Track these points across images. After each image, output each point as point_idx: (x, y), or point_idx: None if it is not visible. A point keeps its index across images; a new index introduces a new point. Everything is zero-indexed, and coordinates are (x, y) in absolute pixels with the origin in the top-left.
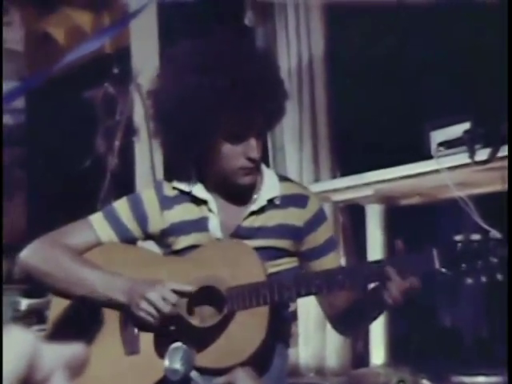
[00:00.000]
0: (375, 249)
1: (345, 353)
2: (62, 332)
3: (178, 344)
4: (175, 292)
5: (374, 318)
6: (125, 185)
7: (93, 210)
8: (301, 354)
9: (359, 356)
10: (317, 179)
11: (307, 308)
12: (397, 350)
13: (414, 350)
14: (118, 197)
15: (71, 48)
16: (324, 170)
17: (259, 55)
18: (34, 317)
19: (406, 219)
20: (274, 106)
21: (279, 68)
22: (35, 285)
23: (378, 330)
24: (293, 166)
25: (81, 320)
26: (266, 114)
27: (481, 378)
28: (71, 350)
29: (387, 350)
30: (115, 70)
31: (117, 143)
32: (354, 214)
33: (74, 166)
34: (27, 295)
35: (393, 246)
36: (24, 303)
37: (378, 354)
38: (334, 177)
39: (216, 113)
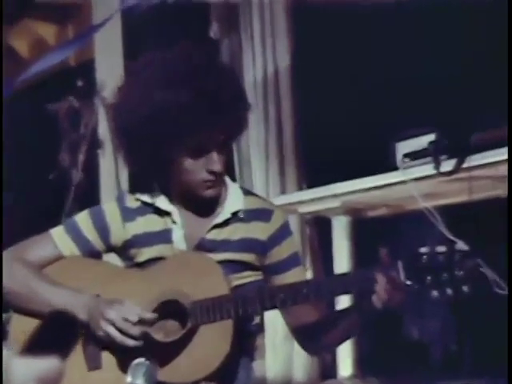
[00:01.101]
0: (342, 261)
1: (312, 365)
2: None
3: (141, 360)
4: (140, 321)
5: (348, 335)
6: (89, 198)
7: (57, 224)
8: (268, 366)
9: (327, 368)
10: (283, 191)
11: (274, 320)
12: (364, 362)
13: (382, 362)
14: (82, 209)
15: (34, 60)
16: (290, 182)
17: (220, 68)
18: None
19: (372, 231)
20: (235, 119)
21: (240, 80)
22: None
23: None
24: (259, 178)
25: (53, 336)
26: (227, 126)
27: None
28: (44, 364)
29: (355, 361)
30: (79, 83)
31: (81, 156)
32: (320, 225)
33: (38, 178)
34: None
35: (359, 257)
36: None
37: (345, 365)
38: (300, 189)
39: (176, 127)
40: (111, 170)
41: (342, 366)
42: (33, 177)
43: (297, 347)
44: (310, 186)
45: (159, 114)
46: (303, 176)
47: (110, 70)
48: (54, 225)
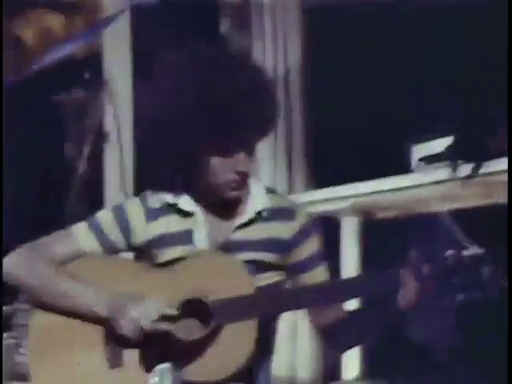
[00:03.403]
0: (350, 262)
1: (316, 366)
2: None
3: (165, 365)
4: (161, 317)
5: (364, 337)
6: (93, 190)
7: (60, 214)
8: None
9: (331, 369)
10: (291, 191)
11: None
12: (369, 364)
13: (386, 363)
14: (86, 202)
15: (41, 51)
16: (298, 182)
17: (251, 67)
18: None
19: (382, 233)
20: (265, 120)
21: (272, 81)
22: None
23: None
24: (266, 177)
25: None
26: (257, 127)
27: None
28: None
29: (359, 363)
30: (86, 76)
31: (86, 149)
32: (329, 226)
33: (42, 171)
34: None
35: (369, 259)
36: None
37: (350, 367)
38: (308, 189)
39: (205, 127)
40: (116, 163)
41: (347, 368)
42: (37, 168)
43: (300, 348)
44: (319, 186)
45: (186, 113)
46: (312, 176)
47: (117, 62)
48: (58, 216)
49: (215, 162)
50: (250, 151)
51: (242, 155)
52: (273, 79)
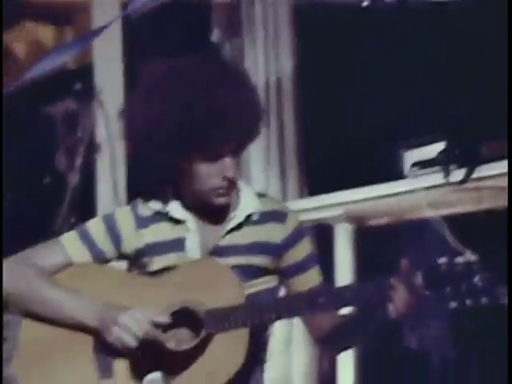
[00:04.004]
0: (344, 269)
1: (311, 374)
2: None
3: (155, 375)
4: (153, 324)
5: (352, 343)
6: (86, 202)
7: (53, 227)
8: (266, 376)
9: (326, 377)
10: (284, 198)
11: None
12: (365, 372)
13: (382, 371)
14: (78, 214)
15: (32, 63)
16: (291, 189)
17: (235, 74)
18: None
19: (375, 239)
20: (250, 126)
21: (255, 87)
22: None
23: (345, 351)
24: (259, 184)
25: None
26: (242, 133)
27: None
28: None
29: (355, 371)
30: (77, 86)
31: (78, 160)
32: (322, 233)
33: (34, 182)
34: None
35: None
36: None
37: (345, 375)
38: (301, 196)
39: (190, 133)
40: (108, 174)
41: (342, 376)
42: (29, 180)
43: (295, 356)
44: (312, 193)
45: (171, 121)
46: (305, 183)
47: (108, 73)
48: (50, 228)
49: (201, 168)
50: (235, 156)
51: (227, 160)
52: (256, 86)
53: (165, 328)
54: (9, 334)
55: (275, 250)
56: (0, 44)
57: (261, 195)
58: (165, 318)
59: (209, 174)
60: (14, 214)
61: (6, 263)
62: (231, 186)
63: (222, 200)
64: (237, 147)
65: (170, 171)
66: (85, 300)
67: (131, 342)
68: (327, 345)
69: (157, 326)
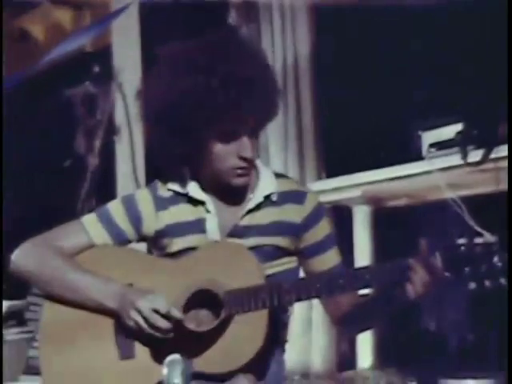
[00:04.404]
0: (363, 250)
1: (330, 356)
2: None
3: (176, 356)
4: (165, 317)
5: (372, 324)
6: (106, 184)
7: (73, 210)
8: (286, 356)
9: (345, 359)
10: (302, 180)
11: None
12: (384, 353)
13: (401, 352)
14: (98, 196)
15: (51, 46)
16: (310, 171)
17: (251, 53)
18: (13, 319)
19: (393, 221)
20: (266, 104)
21: (271, 65)
22: (16, 286)
23: (364, 333)
24: (277, 166)
25: None
26: (259, 111)
27: (470, 382)
28: None
29: (374, 352)
30: (96, 69)
31: (97, 143)
32: (340, 215)
33: (54, 165)
34: (6, 297)
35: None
36: (3, 305)
37: (364, 356)
38: (319, 178)
39: (207, 111)
40: (127, 157)
41: (361, 357)
42: (49, 163)
43: (314, 338)
44: (330, 175)
45: (188, 99)
46: (323, 165)
47: (126, 55)
48: (70, 211)
49: (218, 148)
50: (253, 136)
51: (244, 140)
52: (273, 66)
53: (185, 309)
54: (32, 315)
55: (294, 230)
56: (0, 40)
57: (279, 176)
58: (179, 313)
59: (226, 154)
60: (36, 197)
61: (26, 245)
62: (249, 166)
63: (240, 180)
64: (254, 126)
65: (187, 152)
66: (105, 282)
67: (146, 328)
68: (346, 326)
69: (170, 317)
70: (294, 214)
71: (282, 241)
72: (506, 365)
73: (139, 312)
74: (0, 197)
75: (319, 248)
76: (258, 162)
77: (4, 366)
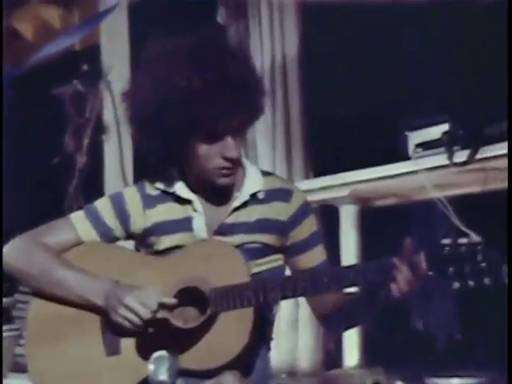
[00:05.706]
0: (349, 249)
1: (317, 354)
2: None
3: (162, 353)
4: (159, 305)
5: (356, 322)
6: (94, 182)
7: (61, 208)
8: (272, 355)
9: (332, 357)
10: (290, 179)
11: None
12: (370, 352)
13: (388, 351)
14: (86, 195)
15: (40, 44)
16: (297, 170)
17: (235, 53)
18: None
19: (380, 220)
20: (251, 104)
21: (255, 65)
22: (6, 283)
23: (351, 331)
24: (265, 165)
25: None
26: (243, 112)
27: (455, 381)
28: None
29: (361, 351)
30: (85, 67)
31: (86, 141)
32: (327, 214)
33: (42, 163)
34: None
35: (368, 247)
36: None
37: (351, 355)
38: (307, 177)
39: (189, 112)
40: (116, 155)
41: (348, 356)
42: (37, 161)
43: (301, 336)
44: (318, 174)
45: (172, 100)
46: (311, 164)
47: (115, 54)
48: (59, 209)
49: (203, 149)
50: (238, 136)
51: (228, 140)
52: (256, 66)
53: (171, 307)
54: (19, 313)
55: (281, 228)
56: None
57: (266, 174)
58: (170, 299)
59: (211, 155)
60: (24, 195)
61: (15, 242)
62: (234, 166)
63: (225, 180)
64: (238, 127)
65: (173, 153)
66: (92, 279)
67: (135, 323)
68: (331, 323)
69: (162, 306)
70: (280, 211)
71: (268, 238)
72: (506, 365)
73: (127, 307)
74: (0, 197)
75: (305, 246)
76: (245, 161)
77: None
